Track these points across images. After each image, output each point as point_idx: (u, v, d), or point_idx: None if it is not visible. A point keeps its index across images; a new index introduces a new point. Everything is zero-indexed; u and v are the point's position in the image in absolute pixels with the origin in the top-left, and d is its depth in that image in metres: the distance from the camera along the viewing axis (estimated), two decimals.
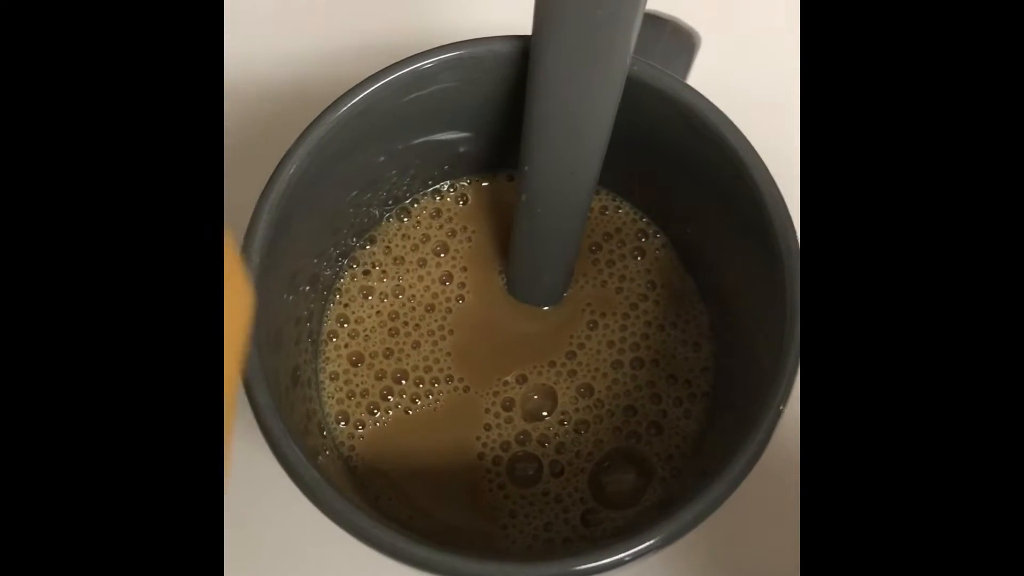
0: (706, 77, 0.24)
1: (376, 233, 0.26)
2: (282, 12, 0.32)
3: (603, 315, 0.25)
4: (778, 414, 0.19)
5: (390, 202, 0.25)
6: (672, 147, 0.22)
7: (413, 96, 0.21)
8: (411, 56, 0.21)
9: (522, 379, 0.24)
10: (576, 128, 0.20)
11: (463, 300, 0.25)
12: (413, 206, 0.26)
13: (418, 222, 0.26)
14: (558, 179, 0.22)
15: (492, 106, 0.23)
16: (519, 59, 0.21)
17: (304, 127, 0.21)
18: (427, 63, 0.21)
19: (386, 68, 0.21)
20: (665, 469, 0.23)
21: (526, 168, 0.22)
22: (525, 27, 0.20)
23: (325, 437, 0.23)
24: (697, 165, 0.22)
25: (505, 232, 0.25)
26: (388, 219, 0.26)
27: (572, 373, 0.24)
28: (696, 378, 0.24)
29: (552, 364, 0.24)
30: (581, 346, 0.25)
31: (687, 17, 0.25)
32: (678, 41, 0.24)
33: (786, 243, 0.20)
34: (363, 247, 0.25)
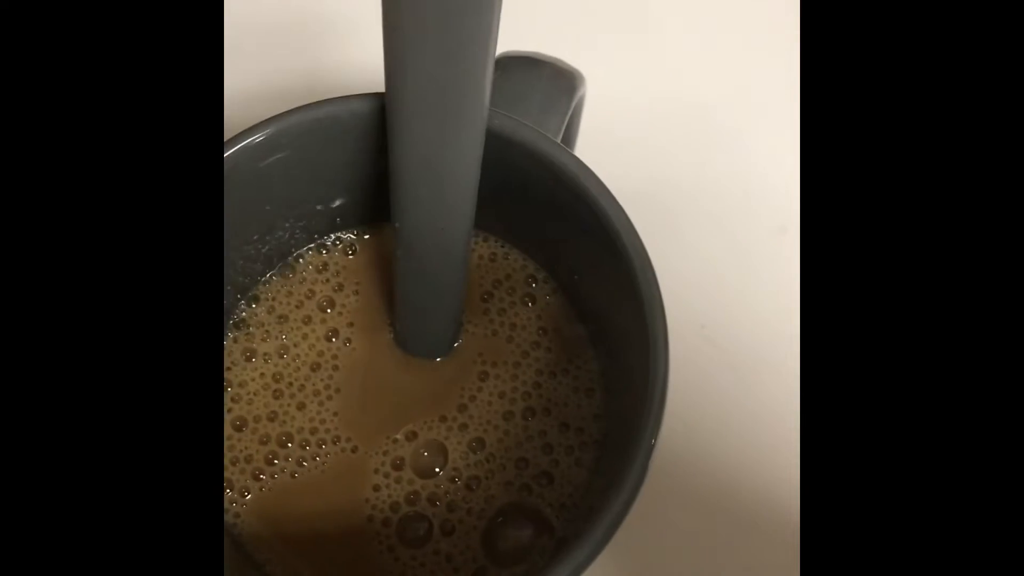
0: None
1: (258, 292, 0.25)
2: None
3: (494, 365, 0.24)
4: (650, 448, 0.19)
5: (273, 258, 0.25)
6: (544, 196, 0.22)
7: (275, 158, 0.21)
8: (267, 119, 0.20)
9: (412, 435, 0.24)
10: (439, 185, 0.20)
11: (350, 356, 0.24)
12: (298, 261, 0.25)
13: (303, 278, 0.25)
14: (430, 235, 0.21)
15: (361, 162, 0.22)
16: (379, 116, 0.21)
17: None
18: (282, 125, 0.20)
19: (242, 132, 0.20)
20: (559, 520, 0.23)
21: (397, 225, 0.21)
22: None
23: None
24: (567, 213, 0.22)
25: (392, 283, 0.25)
26: (272, 276, 0.25)
27: (463, 427, 0.24)
28: (588, 425, 0.24)
29: (443, 419, 0.24)
30: (472, 398, 0.24)
31: (573, 57, 0.24)
32: (558, 83, 0.24)
33: (648, 289, 0.20)
34: (246, 306, 0.25)
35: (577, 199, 0.21)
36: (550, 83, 0.24)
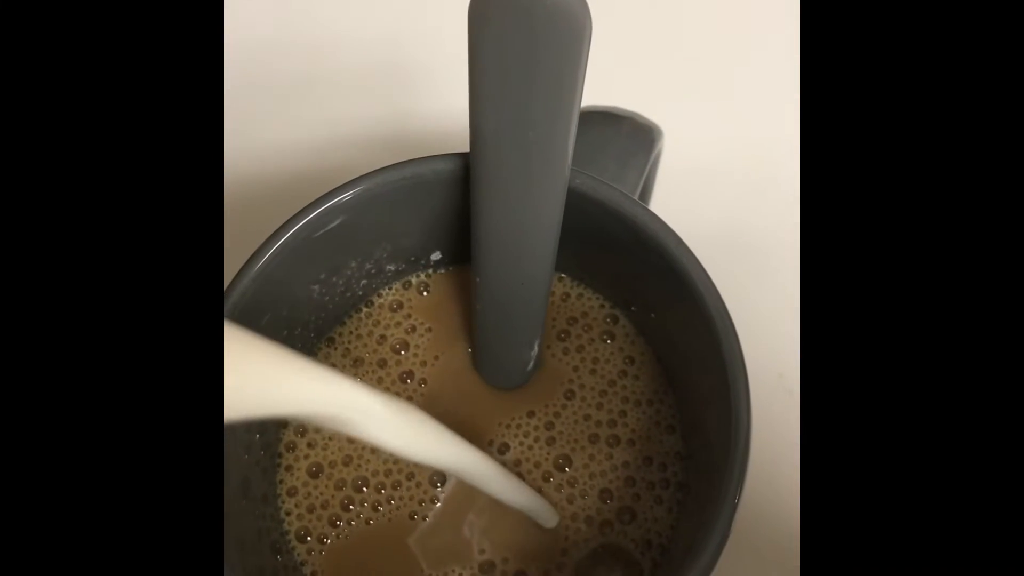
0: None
1: (334, 334, 0.25)
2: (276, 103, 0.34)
3: (581, 387, 0.24)
4: (733, 508, 0.18)
5: (349, 300, 0.25)
6: (621, 247, 0.22)
7: (356, 214, 0.21)
8: (358, 177, 0.21)
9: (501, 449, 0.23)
10: (521, 243, 0.20)
11: (426, 393, 0.24)
12: (371, 303, 0.25)
13: (377, 320, 0.25)
14: (511, 287, 0.22)
15: (441, 216, 0.23)
16: (463, 175, 0.21)
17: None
18: (370, 184, 0.21)
19: (332, 191, 0.21)
20: (644, 557, 0.22)
21: (478, 279, 0.22)
22: None
23: (279, 560, 0.22)
24: (646, 266, 0.21)
25: (468, 315, 0.24)
26: (345, 319, 0.25)
27: (551, 441, 0.23)
28: (671, 463, 0.23)
29: (526, 434, 0.23)
30: (557, 415, 0.23)
31: (651, 111, 0.24)
32: (637, 138, 0.24)
33: (731, 357, 0.19)
34: (322, 348, 0.25)
35: (658, 256, 0.20)
36: (629, 138, 0.24)
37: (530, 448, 0.23)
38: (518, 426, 0.23)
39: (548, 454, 0.23)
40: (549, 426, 0.23)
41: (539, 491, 0.22)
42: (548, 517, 0.22)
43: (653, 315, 0.23)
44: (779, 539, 0.27)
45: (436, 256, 0.25)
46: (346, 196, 0.21)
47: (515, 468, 0.23)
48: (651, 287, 0.22)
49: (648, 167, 0.24)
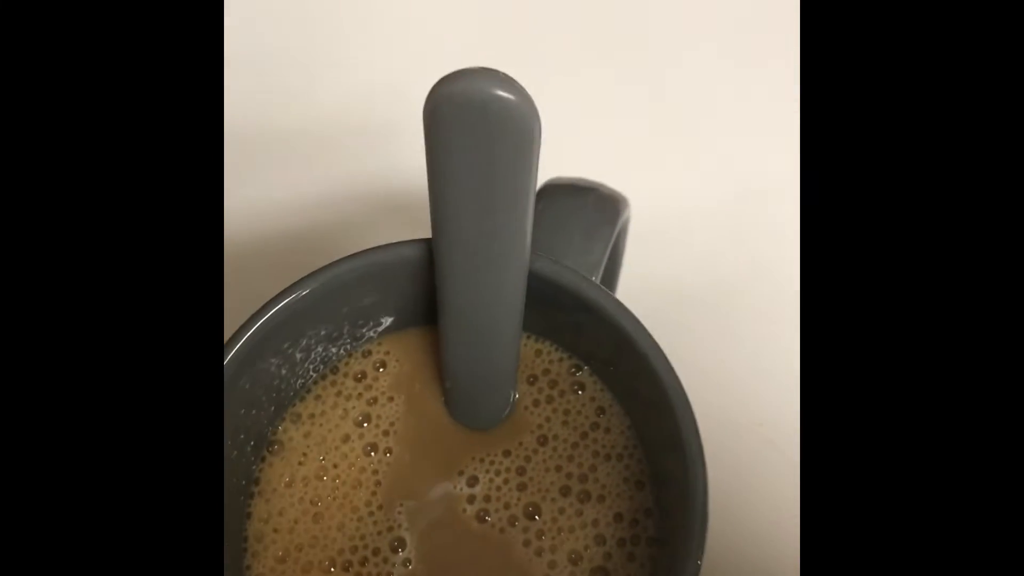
0: None
1: (297, 409, 0.24)
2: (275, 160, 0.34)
3: (555, 437, 0.24)
4: (697, 568, 0.18)
5: (309, 372, 0.24)
6: (584, 323, 0.22)
7: (304, 306, 0.22)
8: (323, 267, 0.22)
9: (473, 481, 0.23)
10: (486, 315, 0.21)
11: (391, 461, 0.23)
12: (334, 374, 0.25)
13: (339, 391, 0.25)
14: (479, 352, 0.22)
15: (410, 297, 0.23)
16: (428, 260, 0.22)
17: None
18: (338, 271, 0.22)
19: (300, 280, 0.21)
20: None
21: (446, 343, 0.22)
22: None
23: None
24: (605, 343, 0.22)
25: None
26: (306, 394, 0.25)
27: (521, 487, 0.23)
28: (641, 519, 0.22)
29: (498, 472, 0.23)
30: (528, 459, 0.23)
31: (620, 179, 0.25)
32: (602, 209, 0.24)
33: (689, 439, 0.20)
34: (284, 424, 0.24)
35: (617, 336, 0.21)
36: (595, 209, 0.24)
37: (499, 489, 0.23)
38: (491, 462, 0.23)
39: (519, 499, 0.23)
40: (521, 471, 0.23)
41: (502, 534, 0.22)
42: None
43: (612, 368, 0.23)
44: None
45: (390, 320, 0.25)
46: (316, 283, 0.22)
47: (483, 504, 0.23)
48: (612, 351, 0.22)
49: (614, 236, 0.24)
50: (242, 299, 0.22)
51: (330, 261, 0.22)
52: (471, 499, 0.23)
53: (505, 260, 0.20)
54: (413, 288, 0.23)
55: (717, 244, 0.33)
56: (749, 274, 0.32)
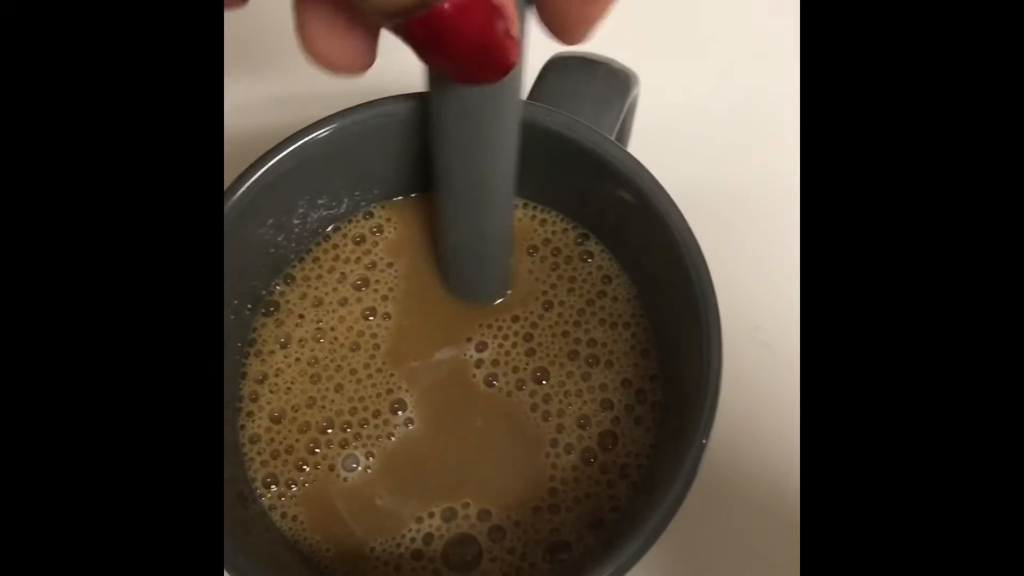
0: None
1: (293, 272, 0.24)
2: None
3: (561, 304, 0.23)
4: (701, 448, 0.18)
5: (305, 237, 0.23)
6: (592, 186, 0.21)
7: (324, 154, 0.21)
8: (331, 115, 0.21)
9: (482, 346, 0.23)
10: (480, 179, 0.20)
11: (390, 326, 0.23)
12: (328, 240, 0.24)
13: (337, 256, 0.24)
14: (475, 211, 0.21)
15: (397, 155, 0.22)
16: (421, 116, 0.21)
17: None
18: (344, 122, 0.21)
19: (303, 129, 0.20)
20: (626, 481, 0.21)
21: (441, 205, 0.21)
22: None
23: (246, 509, 0.21)
24: (613, 201, 0.21)
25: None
26: (303, 257, 0.24)
27: (530, 352, 0.23)
28: (646, 385, 0.22)
29: (506, 337, 0.23)
30: (535, 325, 0.23)
31: (627, 57, 0.24)
32: (613, 83, 0.23)
33: (700, 285, 0.19)
34: (281, 285, 0.23)
35: (629, 192, 0.20)
36: (604, 83, 0.23)
37: (507, 353, 0.22)
38: (499, 328, 0.23)
39: (527, 364, 0.22)
40: (528, 337, 0.23)
41: (509, 398, 0.22)
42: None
43: (618, 238, 0.23)
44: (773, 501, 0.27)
45: (384, 190, 0.24)
46: (321, 133, 0.21)
47: (492, 369, 0.22)
48: (623, 219, 0.22)
49: (624, 112, 0.23)
50: None
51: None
52: (479, 363, 0.22)
53: (498, 113, 0.19)
54: (410, 152, 0.22)
55: (718, 144, 0.32)
56: (751, 177, 0.31)
